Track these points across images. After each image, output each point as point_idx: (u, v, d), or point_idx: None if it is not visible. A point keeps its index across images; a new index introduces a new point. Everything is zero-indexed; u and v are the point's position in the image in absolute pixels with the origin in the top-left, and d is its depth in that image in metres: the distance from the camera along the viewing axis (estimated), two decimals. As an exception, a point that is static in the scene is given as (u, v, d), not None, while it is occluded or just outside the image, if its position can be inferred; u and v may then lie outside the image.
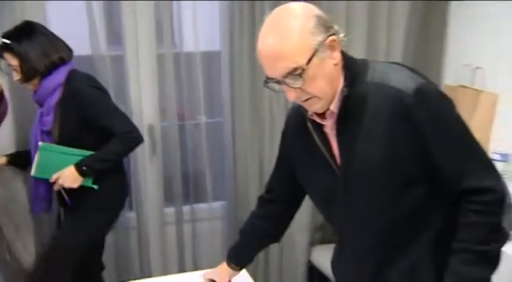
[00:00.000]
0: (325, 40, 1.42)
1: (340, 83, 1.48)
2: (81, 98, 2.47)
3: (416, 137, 1.44)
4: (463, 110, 2.84)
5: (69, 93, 2.47)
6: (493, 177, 1.45)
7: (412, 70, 1.51)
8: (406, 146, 1.45)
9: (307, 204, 2.60)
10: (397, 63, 1.58)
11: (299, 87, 1.42)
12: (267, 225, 1.90)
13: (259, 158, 3.27)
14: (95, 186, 2.52)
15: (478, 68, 3.10)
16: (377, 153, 1.46)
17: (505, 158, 2.86)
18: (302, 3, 1.47)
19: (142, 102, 3.10)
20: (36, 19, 2.71)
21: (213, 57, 3.29)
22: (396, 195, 1.50)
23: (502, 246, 1.45)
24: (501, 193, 1.44)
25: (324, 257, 3.06)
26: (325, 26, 1.43)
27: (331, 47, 1.44)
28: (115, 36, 3.10)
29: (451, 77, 3.34)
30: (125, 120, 2.58)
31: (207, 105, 3.26)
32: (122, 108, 2.84)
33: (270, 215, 1.89)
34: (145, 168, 3.20)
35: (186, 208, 3.27)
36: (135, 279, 2.58)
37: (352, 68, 1.50)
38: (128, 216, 3.20)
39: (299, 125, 1.63)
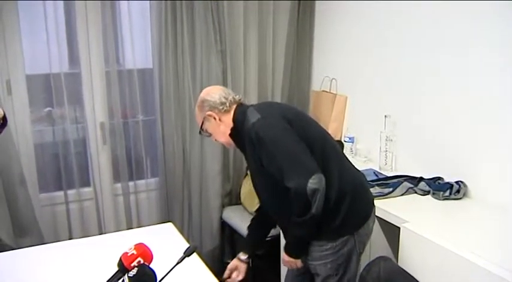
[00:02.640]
0: (205, 115, 1.95)
1: (228, 134, 1.95)
2: None
3: (256, 153, 1.83)
4: (324, 108, 3.38)
5: None
6: (294, 179, 1.72)
7: (265, 107, 1.90)
8: (257, 158, 1.84)
9: (218, 177, 3.14)
10: (266, 103, 2.03)
11: (212, 136, 1.99)
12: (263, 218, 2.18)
13: (182, 145, 3.44)
14: None
15: (333, 78, 3.50)
16: (253, 163, 1.91)
17: (352, 140, 3.31)
18: (211, 90, 2.01)
19: (95, 106, 3.31)
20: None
21: (147, 72, 3.43)
22: (271, 186, 1.89)
23: (309, 220, 1.77)
24: (299, 190, 1.73)
25: (231, 215, 3.50)
26: (209, 106, 1.96)
27: (212, 118, 1.96)
28: (74, 58, 3.28)
29: (317, 85, 3.65)
30: None
31: (143, 107, 3.43)
32: (80, 110, 3.12)
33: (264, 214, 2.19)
34: (99, 154, 3.37)
35: (130, 183, 3.43)
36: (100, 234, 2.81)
37: (236, 127, 1.93)
38: (87, 190, 3.38)
39: None
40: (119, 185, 3.43)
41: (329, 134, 2.04)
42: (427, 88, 2.79)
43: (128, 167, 3.41)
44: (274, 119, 1.80)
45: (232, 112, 1.96)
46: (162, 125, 3.40)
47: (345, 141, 3.33)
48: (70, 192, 3.30)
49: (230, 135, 1.96)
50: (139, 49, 3.33)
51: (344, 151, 3.09)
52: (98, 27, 3.19)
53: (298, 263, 1.94)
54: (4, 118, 2.11)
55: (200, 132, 2.03)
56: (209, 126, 1.99)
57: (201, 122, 1.99)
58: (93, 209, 3.39)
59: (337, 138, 3.37)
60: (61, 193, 3.28)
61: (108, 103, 3.31)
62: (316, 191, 1.72)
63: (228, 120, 1.96)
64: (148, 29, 3.34)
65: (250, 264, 2.15)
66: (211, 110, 1.96)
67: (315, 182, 1.70)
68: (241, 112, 1.95)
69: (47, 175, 3.26)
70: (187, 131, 3.45)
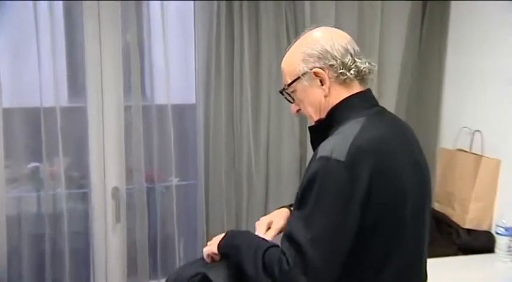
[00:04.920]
0: (311, 70, 1.51)
1: (325, 114, 1.57)
2: None
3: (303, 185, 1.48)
4: (461, 178, 2.80)
5: None
6: (290, 257, 1.40)
7: (367, 143, 1.43)
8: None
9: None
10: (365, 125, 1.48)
11: (294, 103, 1.60)
12: None
13: (236, 223, 2.89)
14: None
15: (476, 131, 2.76)
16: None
17: (510, 232, 2.48)
18: (336, 35, 1.55)
19: (106, 160, 2.74)
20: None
21: (187, 111, 2.98)
22: None
23: None
24: (283, 273, 1.43)
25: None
26: (324, 59, 1.50)
27: (318, 78, 1.51)
28: (78, 85, 2.79)
29: (449, 140, 2.99)
30: None
31: (179, 165, 2.92)
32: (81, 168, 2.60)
33: None
34: (107, 237, 2.81)
35: None
36: None
37: (332, 117, 1.53)
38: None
39: None
40: (135, 285, 2.81)
41: (426, 224, 1.58)
42: None
43: (151, 258, 2.82)
44: (352, 177, 1.37)
45: (345, 92, 1.54)
46: (206, 194, 2.86)
47: (497, 233, 2.58)
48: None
49: (317, 121, 1.63)
50: (176, 76, 2.89)
51: (496, 249, 2.58)
52: (117, 41, 2.73)
53: (216, 255, 1.68)
54: None
55: (282, 92, 1.65)
56: (304, 88, 1.57)
57: (295, 77, 1.57)
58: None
59: (482, 228, 2.67)
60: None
61: (126, 158, 2.78)
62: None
63: (335, 97, 1.54)
64: (192, 47, 2.88)
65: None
66: (323, 68, 1.52)
67: None
68: (349, 108, 1.54)
69: (22, 269, 2.68)
70: (244, 204, 2.86)
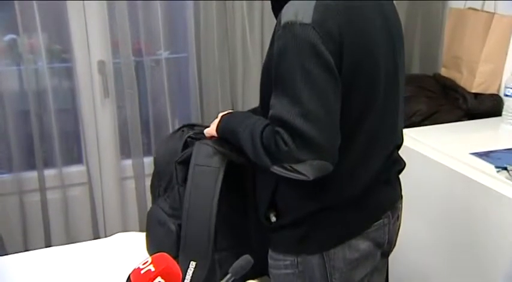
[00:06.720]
0: None
1: None
2: None
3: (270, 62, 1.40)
4: (470, 39, 2.59)
5: None
6: (285, 136, 1.33)
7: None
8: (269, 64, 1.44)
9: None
10: None
11: None
12: None
13: (231, 98, 2.72)
14: None
15: None
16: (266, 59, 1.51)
17: None
18: None
19: (90, 33, 2.52)
20: None
21: None
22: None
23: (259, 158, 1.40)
24: (292, 153, 1.36)
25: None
26: None
27: None
28: None
29: None
30: None
31: (168, 37, 2.70)
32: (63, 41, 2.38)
33: None
34: (97, 113, 2.64)
35: (147, 160, 2.71)
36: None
37: None
38: (77, 170, 2.67)
39: None
40: (128, 162, 2.72)
41: (398, 93, 1.51)
42: None
43: (144, 134, 2.70)
44: (322, 37, 1.26)
45: None
46: (198, 68, 2.66)
47: (505, 95, 2.46)
48: (49, 172, 2.58)
49: None
50: None
51: (504, 111, 2.49)
52: None
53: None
54: None
55: None
56: None
57: None
58: (86, 200, 2.69)
59: (490, 91, 2.55)
60: (33, 174, 2.55)
61: (110, 30, 2.55)
62: (305, 170, 1.30)
63: None
64: None
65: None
66: None
67: (320, 166, 1.28)
68: None
69: (10, 146, 2.51)
70: (238, 74, 2.67)
